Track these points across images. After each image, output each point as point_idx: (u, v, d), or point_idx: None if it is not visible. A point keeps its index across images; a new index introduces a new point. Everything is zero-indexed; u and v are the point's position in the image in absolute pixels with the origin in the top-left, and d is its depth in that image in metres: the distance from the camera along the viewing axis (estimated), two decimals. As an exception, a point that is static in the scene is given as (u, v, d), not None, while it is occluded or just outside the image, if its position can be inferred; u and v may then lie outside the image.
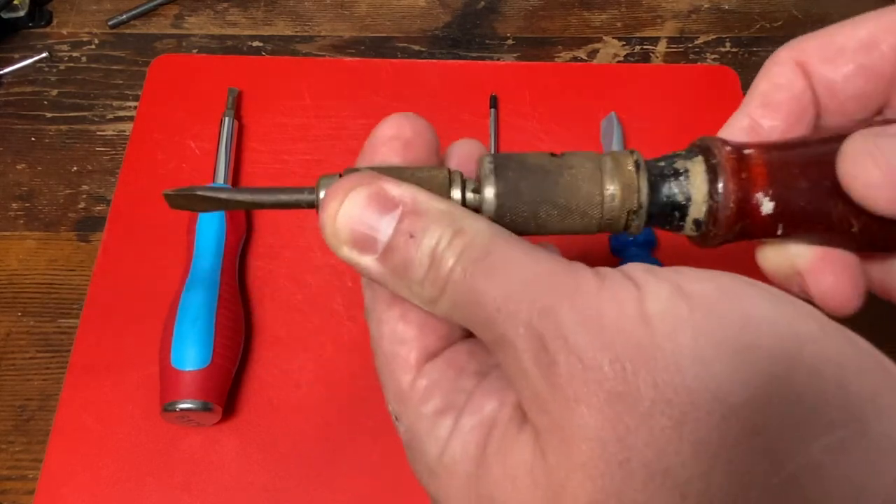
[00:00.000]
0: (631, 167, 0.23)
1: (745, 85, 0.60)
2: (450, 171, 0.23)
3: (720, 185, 0.23)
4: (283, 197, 0.23)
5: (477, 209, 0.22)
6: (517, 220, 0.23)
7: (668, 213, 0.23)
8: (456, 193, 0.22)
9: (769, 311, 0.18)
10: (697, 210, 0.23)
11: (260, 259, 0.51)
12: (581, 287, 0.19)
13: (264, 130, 0.57)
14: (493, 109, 0.57)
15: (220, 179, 0.52)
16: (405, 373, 0.22)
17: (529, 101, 0.58)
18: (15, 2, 0.61)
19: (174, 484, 0.44)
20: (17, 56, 0.61)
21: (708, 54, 0.63)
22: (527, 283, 0.19)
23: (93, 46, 0.62)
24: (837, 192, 0.22)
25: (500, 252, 0.20)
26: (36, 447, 0.45)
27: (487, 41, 0.63)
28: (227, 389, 0.45)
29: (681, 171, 0.23)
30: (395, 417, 0.22)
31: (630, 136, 0.56)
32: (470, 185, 0.23)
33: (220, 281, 0.46)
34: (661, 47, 0.63)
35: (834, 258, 0.24)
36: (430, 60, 0.61)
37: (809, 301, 0.24)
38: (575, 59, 0.62)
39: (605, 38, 0.64)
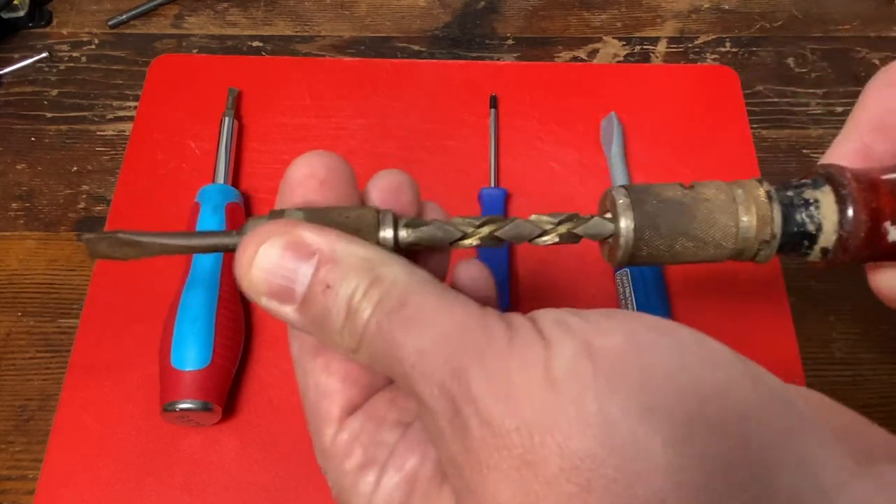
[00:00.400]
0: (764, 198, 0.23)
1: (746, 85, 0.60)
2: (378, 211, 0.22)
3: (851, 215, 0.23)
4: (208, 241, 0.23)
5: (398, 249, 0.22)
6: (653, 253, 0.23)
7: (798, 242, 0.24)
8: (387, 233, 0.22)
9: (673, 365, 0.18)
10: (827, 239, 0.24)
11: (260, 259, 0.51)
12: (491, 345, 0.19)
13: (264, 130, 0.57)
14: (493, 109, 0.57)
15: (220, 179, 0.52)
16: (328, 427, 0.21)
17: (529, 101, 0.58)
18: (15, 2, 0.61)
19: (174, 484, 0.44)
20: (17, 56, 0.61)
21: (708, 54, 0.63)
22: (439, 338, 0.19)
23: (93, 46, 0.62)
24: None
25: (415, 302, 0.20)
26: (36, 447, 0.45)
27: (487, 41, 0.63)
28: (227, 389, 0.45)
29: (811, 200, 0.24)
30: (324, 473, 0.22)
31: (630, 136, 0.56)
32: (402, 223, 0.22)
33: (220, 281, 0.46)
34: (661, 47, 0.63)
35: None
36: (430, 60, 0.61)
37: None
38: (575, 59, 0.62)
39: (605, 38, 0.64)
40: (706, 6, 0.66)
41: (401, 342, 0.19)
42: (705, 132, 0.57)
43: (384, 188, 0.24)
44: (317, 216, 0.21)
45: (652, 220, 0.23)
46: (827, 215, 0.23)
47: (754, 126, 0.58)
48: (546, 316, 0.20)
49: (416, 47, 0.63)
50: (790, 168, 0.57)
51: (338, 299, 0.20)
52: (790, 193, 0.24)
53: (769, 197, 0.23)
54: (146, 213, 0.52)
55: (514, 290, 0.50)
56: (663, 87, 0.59)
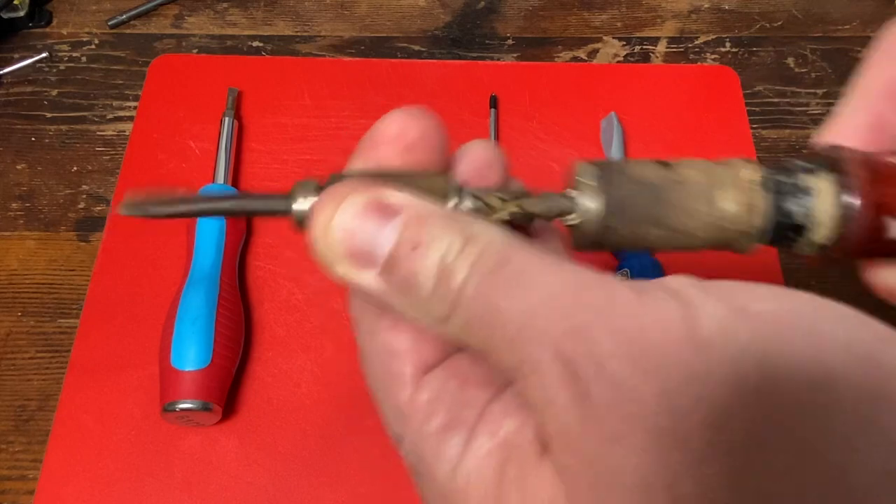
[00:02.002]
0: (750, 183, 0.20)
1: (746, 85, 0.60)
2: (449, 179, 0.20)
3: (855, 211, 0.20)
4: (257, 204, 0.20)
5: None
6: (618, 239, 0.20)
7: (786, 236, 0.21)
8: (458, 203, 0.20)
9: (844, 335, 0.16)
10: (822, 234, 0.21)
11: (260, 259, 0.51)
12: (617, 303, 0.16)
13: (264, 130, 0.57)
14: (493, 109, 0.57)
15: (220, 179, 0.52)
16: (402, 389, 0.19)
17: (529, 101, 0.58)
18: (15, 2, 0.61)
19: (174, 484, 0.44)
20: (17, 56, 0.61)
21: (708, 54, 0.63)
22: (553, 297, 0.16)
23: (93, 46, 0.62)
24: None
25: (518, 261, 0.17)
26: (36, 447, 0.45)
27: (487, 41, 0.63)
28: (227, 389, 0.45)
29: (807, 189, 0.21)
30: (397, 441, 0.20)
31: (630, 136, 0.56)
32: (471, 193, 0.20)
33: (220, 281, 0.46)
34: (661, 47, 0.63)
35: None
36: (430, 60, 0.61)
37: None
38: (575, 59, 0.62)
39: (605, 38, 0.64)
40: (706, 6, 0.66)
41: (502, 305, 0.17)
42: (705, 132, 0.57)
43: (474, 162, 0.21)
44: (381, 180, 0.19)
45: (619, 202, 0.20)
46: (824, 208, 0.20)
47: (754, 126, 0.58)
48: (677, 279, 0.17)
49: (416, 47, 0.63)
50: (790, 168, 0.57)
51: (427, 260, 0.17)
52: (782, 178, 0.21)
53: (758, 182, 0.20)
54: (146, 213, 0.52)
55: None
56: (663, 87, 0.59)
